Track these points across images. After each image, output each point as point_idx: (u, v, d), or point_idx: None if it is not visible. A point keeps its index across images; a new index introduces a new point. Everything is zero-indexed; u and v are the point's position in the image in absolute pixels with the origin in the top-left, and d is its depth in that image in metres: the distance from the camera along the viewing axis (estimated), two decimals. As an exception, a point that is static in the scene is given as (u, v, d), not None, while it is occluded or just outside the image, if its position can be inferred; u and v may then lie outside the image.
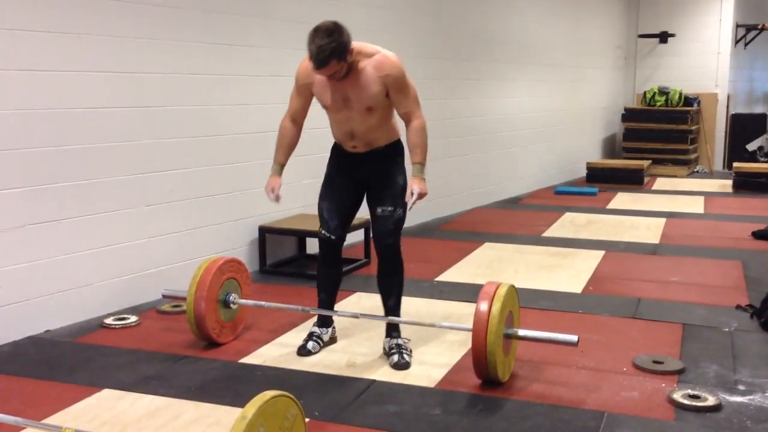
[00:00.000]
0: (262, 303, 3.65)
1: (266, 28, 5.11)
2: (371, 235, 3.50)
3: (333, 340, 3.70)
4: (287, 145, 3.55)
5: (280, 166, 3.56)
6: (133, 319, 4.06)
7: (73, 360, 3.49)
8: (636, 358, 3.47)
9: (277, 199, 3.54)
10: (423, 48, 6.88)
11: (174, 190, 4.54)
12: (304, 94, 3.44)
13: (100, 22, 4.03)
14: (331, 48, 3.02)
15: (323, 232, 3.51)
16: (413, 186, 3.31)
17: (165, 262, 4.51)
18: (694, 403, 2.97)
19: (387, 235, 3.40)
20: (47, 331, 3.87)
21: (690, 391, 3.07)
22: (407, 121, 3.36)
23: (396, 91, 3.28)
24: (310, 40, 3.07)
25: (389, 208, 3.40)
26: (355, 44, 3.17)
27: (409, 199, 3.31)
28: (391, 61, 3.25)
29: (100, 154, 4.09)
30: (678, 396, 3.03)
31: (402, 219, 3.45)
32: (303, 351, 3.56)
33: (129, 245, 4.29)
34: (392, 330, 3.53)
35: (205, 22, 4.65)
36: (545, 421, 2.85)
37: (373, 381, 3.22)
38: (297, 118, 3.52)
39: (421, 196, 3.30)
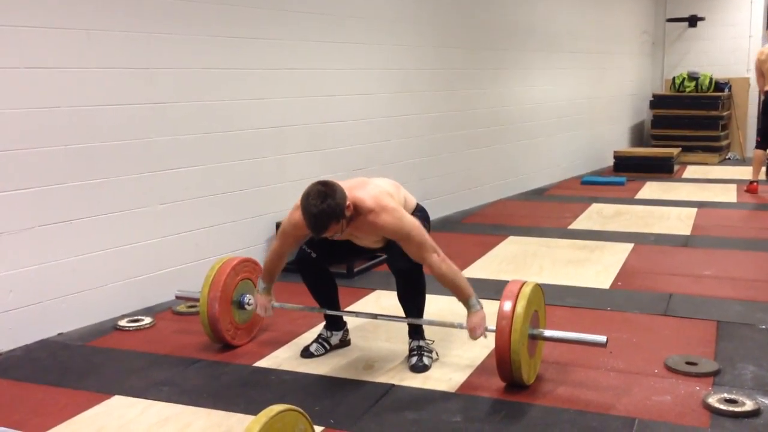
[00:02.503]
0: (276, 304, 3.53)
1: (281, 20, 4.99)
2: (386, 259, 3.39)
3: (345, 342, 3.58)
4: (275, 272, 3.41)
5: (269, 285, 3.43)
6: (147, 320, 3.97)
7: (84, 365, 3.41)
8: (668, 359, 3.31)
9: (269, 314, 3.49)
10: (444, 37, 6.72)
11: (189, 188, 4.44)
12: (299, 236, 3.26)
13: (110, 17, 3.93)
14: (326, 214, 2.85)
15: (305, 247, 3.37)
16: (466, 325, 3.11)
17: (180, 262, 4.43)
18: (730, 408, 2.81)
19: (401, 258, 3.19)
20: (60, 334, 3.80)
21: (726, 395, 2.91)
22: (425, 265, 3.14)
23: (399, 241, 3.08)
24: (304, 208, 2.88)
25: None
26: (352, 198, 2.97)
27: (475, 336, 3.11)
28: (382, 222, 3.01)
29: (112, 152, 4.00)
30: (713, 400, 2.87)
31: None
32: (305, 353, 3.45)
33: (143, 245, 4.20)
34: (414, 332, 3.40)
35: (218, 16, 4.54)
36: (572, 428, 2.71)
37: (392, 386, 3.10)
38: (287, 252, 3.34)
39: (479, 329, 3.09)
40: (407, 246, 3.06)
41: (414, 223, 3.06)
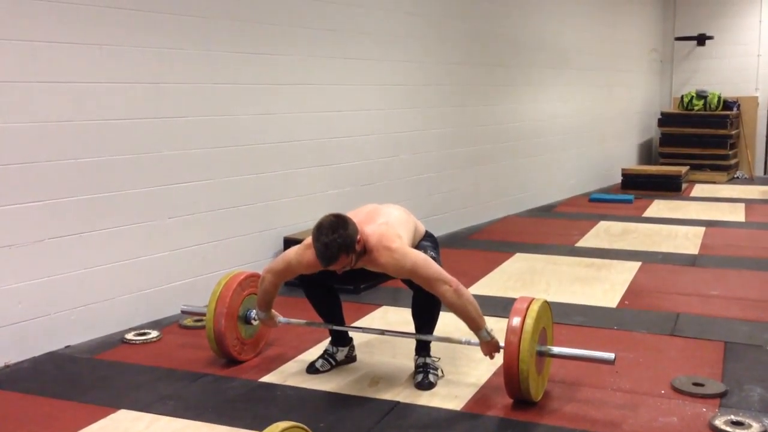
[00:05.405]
0: (282, 319, 3.54)
1: (290, 36, 5.03)
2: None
3: (351, 359, 3.58)
4: (272, 301, 3.43)
5: (268, 311, 3.46)
6: (154, 334, 3.98)
7: (91, 378, 3.42)
8: (675, 379, 3.29)
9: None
10: (453, 54, 6.75)
11: (197, 202, 4.46)
12: (298, 274, 3.30)
13: (122, 33, 3.97)
14: (338, 244, 2.88)
15: None
16: (482, 351, 3.13)
17: (188, 276, 4.44)
18: (737, 430, 2.79)
19: None
20: (68, 346, 3.81)
21: (733, 417, 2.90)
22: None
23: (407, 276, 3.10)
24: (315, 238, 2.93)
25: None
26: (362, 233, 3.01)
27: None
28: (384, 262, 3.04)
29: (122, 166, 4.02)
30: (720, 422, 2.86)
31: (436, 258, 3.28)
32: (311, 369, 3.45)
33: (151, 258, 4.22)
34: (421, 348, 3.39)
35: (228, 31, 4.57)
36: (578, 449, 2.70)
37: (397, 403, 3.10)
38: (281, 284, 3.36)
39: (494, 351, 3.11)
40: (416, 280, 3.07)
41: (417, 258, 3.03)
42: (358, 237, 2.97)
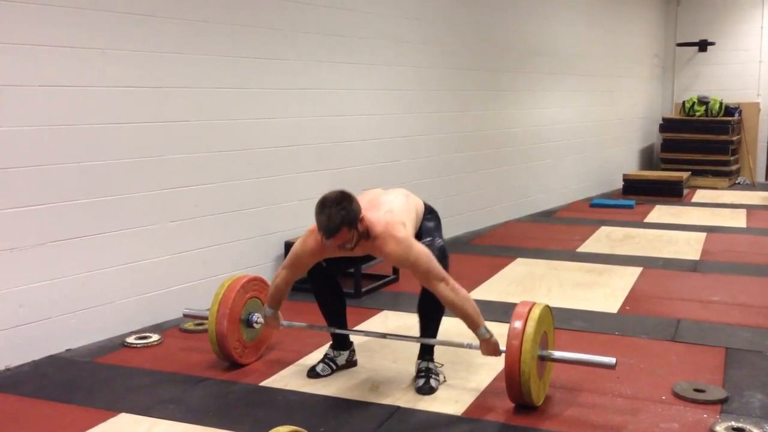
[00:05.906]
0: (284, 322, 3.54)
1: (293, 41, 5.04)
2: None
3: (351, 363, 3.57)
4: (282, 299, 3.41)
5: (276, 310, 3.43)
6: (155, 337, 3.98)
7: (91, 381, 3.42)
8: (675, 385, 3.29)
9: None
10: (455, 59, 6.76)
11: (198, 206, 4.47)
12: (308, 264, 3.28)
13: (125, 37, 3.98)
14: (341, 216, 2.89)
15: None
16: (482, 351, 3.12)
17: (189, 279, 4.44)
18: (738, 437, 2.80)
19: None
20: (68, 350, 3.81)
21: (734, 423, 2.89)
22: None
23: (407, 267, 3.10)
24: (319, 211, 2.92)
25: (428, 239, 3.29)
26: (366, 218, 3.02)
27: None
28: (389, 250, 3.03)
29: (123, 169, 4.03)
30: (721, 428, 2.85)
31: (443, 248, 3.30)
32: (311, 373, 3.45)
33: (152, 262, 4.22)
34: (425, 352, 3.39)
35: (230, 36, 4.59)
36: (578, 454, 2.70)
37: (398, 408, 3.09)
38: (293, 280, 3.33)
39: (494, 355, 3.11)
40: (414, 274, 3.08)
41: (420, 253, 3.03)
42: (361, 216, 2.97)
